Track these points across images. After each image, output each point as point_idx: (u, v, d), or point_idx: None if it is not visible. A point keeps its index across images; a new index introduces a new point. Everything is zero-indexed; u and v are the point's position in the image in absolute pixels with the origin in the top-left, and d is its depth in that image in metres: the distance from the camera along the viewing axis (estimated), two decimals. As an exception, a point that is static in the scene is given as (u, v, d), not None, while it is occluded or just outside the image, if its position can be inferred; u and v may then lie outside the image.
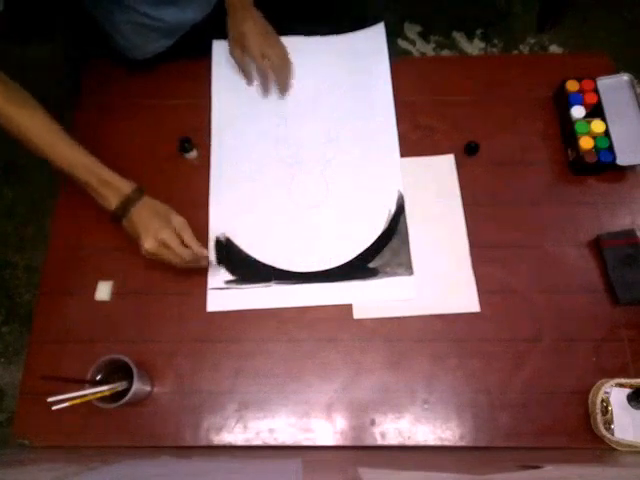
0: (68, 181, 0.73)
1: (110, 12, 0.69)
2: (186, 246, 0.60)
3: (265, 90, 0.76)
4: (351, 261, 0.67)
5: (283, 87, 0.75)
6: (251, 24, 0.71)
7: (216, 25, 0.75)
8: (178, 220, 0.61)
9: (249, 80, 0.77)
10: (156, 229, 0.58)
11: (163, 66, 0.79)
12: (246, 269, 0.67)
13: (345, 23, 0.80)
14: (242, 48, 0.73)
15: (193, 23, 0.74)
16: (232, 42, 0.73)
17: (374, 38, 0.80)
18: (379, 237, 0.68)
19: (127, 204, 0.59)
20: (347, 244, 0.68)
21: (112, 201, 0.59)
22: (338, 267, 0.67)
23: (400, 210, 0.70)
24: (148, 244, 0.58)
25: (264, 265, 0.67)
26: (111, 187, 0.60)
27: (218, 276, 0.67)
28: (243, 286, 0.66)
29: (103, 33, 0.72)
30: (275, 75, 0.74)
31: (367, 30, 0.81)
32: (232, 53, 0.74)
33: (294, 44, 0.80)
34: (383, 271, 0.66)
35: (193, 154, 0.73)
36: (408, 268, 0.66)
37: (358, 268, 0.67)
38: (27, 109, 0.58)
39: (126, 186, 0.60)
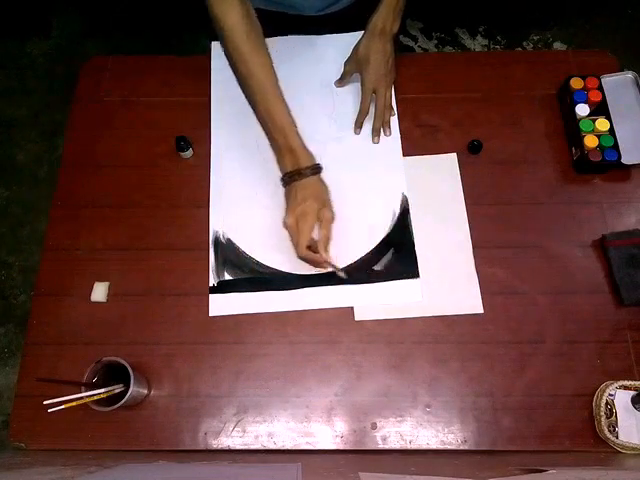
0: (64, 179, 0.73)
1: None
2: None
3: (357, 126, 0.73)
4: (355, 263, 0.66)
5: (376, 132, 0.73)
6: (379, 58, 0.69)
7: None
8: (326, 215, 0.60)
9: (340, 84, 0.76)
10: (302, 210, 0.59)
11: (160, 63, 0.78)
12: (247, 271, 0.66)
13: (346, 22, 0.79)
14: (358, 70, 0.73)
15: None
16: (354, 55, 0.72)
17: None
18: (383, 239, 0.67)
19: (296, 175, 0.60)
20: (351, 246, 0.67)
21: (287, 166, 0.61)
22: (342, 270, 0.66)
23: (405, 212, 0.69)
24: (289, 220, 0.59)
25: (266, 267, 0.66)
26: (292, 155, 0.61)
27: (218, 278, 0.66)
28: (244, 289, 0.65)
29: None
30: (375, 115, 0.72)
31: None
32: (347, 62, 0.74)
33: (295, 43, 0.79)
34: (388, 274, 0.65)
35: (189, 153, 0.72)
36: (414, 271, 0.65)
37: (363, 271, 0.66)
38: (260, 55, 0.61)
39: (305, 160, 0.61)
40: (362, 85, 0.72)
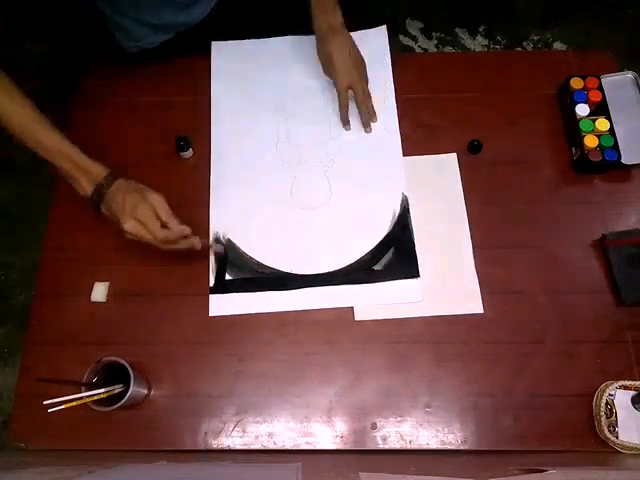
0: (62, 179, 0.73)
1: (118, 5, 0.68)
2: (165, 225, 0.57)
3: (344, 122, 0.73)
4: (355, 263, 0.66)
5: (366, 123, 0.73)
6: (340, 56, 0.69)
7: (216, 26, 0.75)
8: (154, 197, 0.57)
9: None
10: (132, 207, 0.56)
11: (160, 63, 0.78)
12: (247, 272, 0.66)
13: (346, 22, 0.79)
14: (329, 75, 0.73)
15: (190, 24, 0.74)
16: (322, 64, 0.73)
17: (376, 40, 0.78)
18: (383, 239, 0.67)
19: (101, 189, 0.58)
20: (351, 246, 0.67)
21: (87, 188, 0.58)
22: (342, 270, 0.66)
23: (405, 212, 0.69)
24: (128, 225, 0.55)
25: (266, 267, 0.66)
26: (86, 174, 0.58)
27: (218, 278, 0.66)
28: (244, 289, 0.65)
29: (101, 25, 0.72)
30: (359, 110, 0.72)
31: (369, 31, 0.79)
32: (324, 73, 0.74)
33: (295, 42, 0.79)
34: (388, 274, 0.65)
35: (189, 153, 0.72)
36: (414, 271, 0.65)
37: (362, 271, 0.66)
38: (6, 94, 0.57)
39: (100, 171, 0.58)
40: (335, 87, 0.71)
